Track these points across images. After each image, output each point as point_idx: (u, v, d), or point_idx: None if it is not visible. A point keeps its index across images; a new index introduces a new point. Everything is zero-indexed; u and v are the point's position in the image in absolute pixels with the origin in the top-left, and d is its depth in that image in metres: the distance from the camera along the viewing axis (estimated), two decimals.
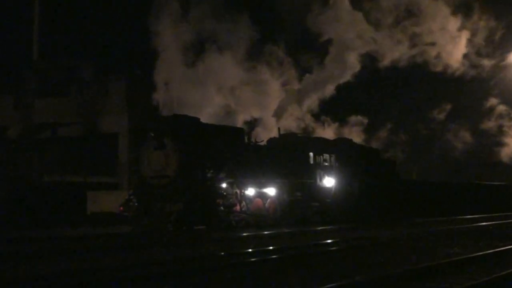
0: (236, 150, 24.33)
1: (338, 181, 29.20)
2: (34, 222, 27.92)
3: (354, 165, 30.38)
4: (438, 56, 37.26)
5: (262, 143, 27.03)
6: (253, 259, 12.96)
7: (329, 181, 28.85)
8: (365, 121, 38.86)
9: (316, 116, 36.74)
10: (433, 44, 36.90)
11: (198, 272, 11.13)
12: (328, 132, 36.42)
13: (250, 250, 14.70)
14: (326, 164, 29.03)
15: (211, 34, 30.97)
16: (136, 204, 22.48)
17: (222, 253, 14.01)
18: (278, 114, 34.40)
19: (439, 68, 37.84)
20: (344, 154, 29.90)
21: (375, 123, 42.37)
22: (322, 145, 29.42)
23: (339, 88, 35.99)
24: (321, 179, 28.55)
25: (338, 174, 29.23)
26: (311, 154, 28.24)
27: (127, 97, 35.78)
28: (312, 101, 35.44)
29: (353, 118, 38.68)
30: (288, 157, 26.96)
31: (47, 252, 14.61)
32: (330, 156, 29.26)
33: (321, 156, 28.82)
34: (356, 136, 37.38)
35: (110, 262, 12.68)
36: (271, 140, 28.37)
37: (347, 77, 35.55)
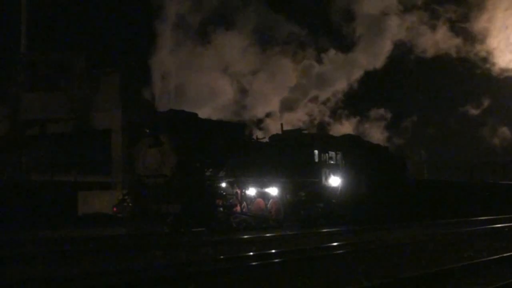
0: (237, 147, 24.35)
1: (345, 180, 29.21)
2: (22, 224, 27.95)
3: (362, 163, 30.38)
4: (486, 54, 35.60)
5: (264, 140, 27.04)
6: (254, 263, 12.99)
7: (335, 180, 28.86)
8: (389, 115, 37.33)
9: (333, 110, 35.56)
10: (484, 38, 35.24)
11: (196, 277, 11.17)
12: (346, 128, 35.22)
13: (251, 253, 14.73)
14: (332, 162, 29.03)
15: (220, 13, 29.87)
16: (130, 205, 22.51)
17: (222, 257, 14.05)
18: (293, 104, 33.17)
19: (485, 66, 36.33)
20: (351, 152, 29.90)
21: (400, 117, 41.17)
22: (328, 142, 29.42)
23: (365, 75, 34.58)
24: (326, 178, 28.56)
25: (344, 172, 29.24)
26: (316, 151, 28.24)
27: (121, 91, 35.78)
28: (331, 90, 34.12)
29: (375, 112, 37.13)
30: (291, 155, 26.97)
31: (35, 256, 14.64)
32: (336, 154, 29.26)
33: (327, 154, 28.82)
34: (378, 132, 36.17)
35: (103, 267, 12.72)
36: (273, 137, 28.38)
37: (376, 63, 33.98)
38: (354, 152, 30.15)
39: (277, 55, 32.77)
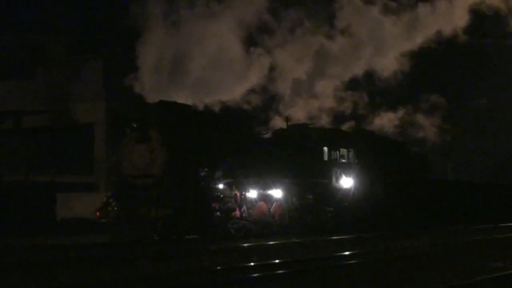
0: (236, 144, 24.32)
1: (358, 181, 29.19)
2: None
3: (378, 162, 30.34)
4: None
5: (266, 135, 27.00)
6: (255, 275, 12.99)
7: (347, 181, 28.85)
8: (444, 104, 34.93)
9: (371, 95, 31.85)
10: None
11: None
12: (386, 121, 33.32)
13: (252, 264, 14.74)
14: (344, 160, 29.01)
15: None
16: (115, 209, 22.51)
17: (219, 268, 14.05)
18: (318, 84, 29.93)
19: None
20: (365, 149, 29.86)
21: (458, 106, 38.36)
22: (339, 138, 29.39)
23: (419, 52, 30.24)
24: (337, 179, 28.55)
25: (358, 172, 29.22)
26: (325, 148, 28.22)
27: (105, 79, 35.80)
28: (373, 67, 30.16)
29: (427, 99, 34.81)
30: (297, 153, 26.95)
31: (8, 266, 14.64)
32: (348, 151, 29.23)
33: (338, 151, 28.79)
34: (430, 125, 33.98)
35: (84, 279, 12.72)
36: (277, 132, 28.34)
37: (442, 35, 29.72)
38: (369, 149, 30.10)
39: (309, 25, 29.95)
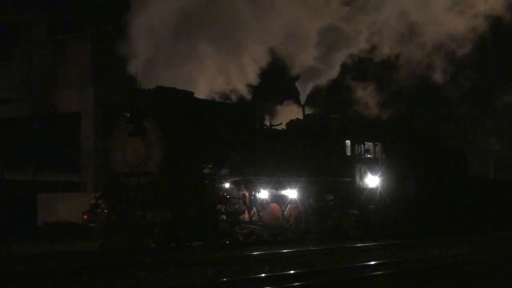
0: (245, 137, 24.36)
1: (386, 180, 29.20)
2: None
3: (409, 157, 30.31)
4: None
5: (279, 127, 27.03)
6: None
7: (373, 180, 28.87)
8: None
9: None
10: None
11: None
12: None
13: (263, 275, 14.82)
14: (369, 156, 29.02)
15: None
16: (105, 211, 22.62)
17: (225, 279, 14.13)
18: None
19: None
20: (394, 143, 29.82)
21: None
22: (364, 130, 29.37)
23: None
24: (361, 178, 28.58)
25: (385, 170, 29.23)
26: (348, 142, 28.23)
27: (93, 62, 35.84)
28: None
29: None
30: (316, 147, 26.98)
31: None
32: (375, 145, 29.23)
33: (362, 145, 28.80)
34: None
35: None
36: (292, 123, 28.34)
37: None
38: (398, 143, 30.06)
39: None
